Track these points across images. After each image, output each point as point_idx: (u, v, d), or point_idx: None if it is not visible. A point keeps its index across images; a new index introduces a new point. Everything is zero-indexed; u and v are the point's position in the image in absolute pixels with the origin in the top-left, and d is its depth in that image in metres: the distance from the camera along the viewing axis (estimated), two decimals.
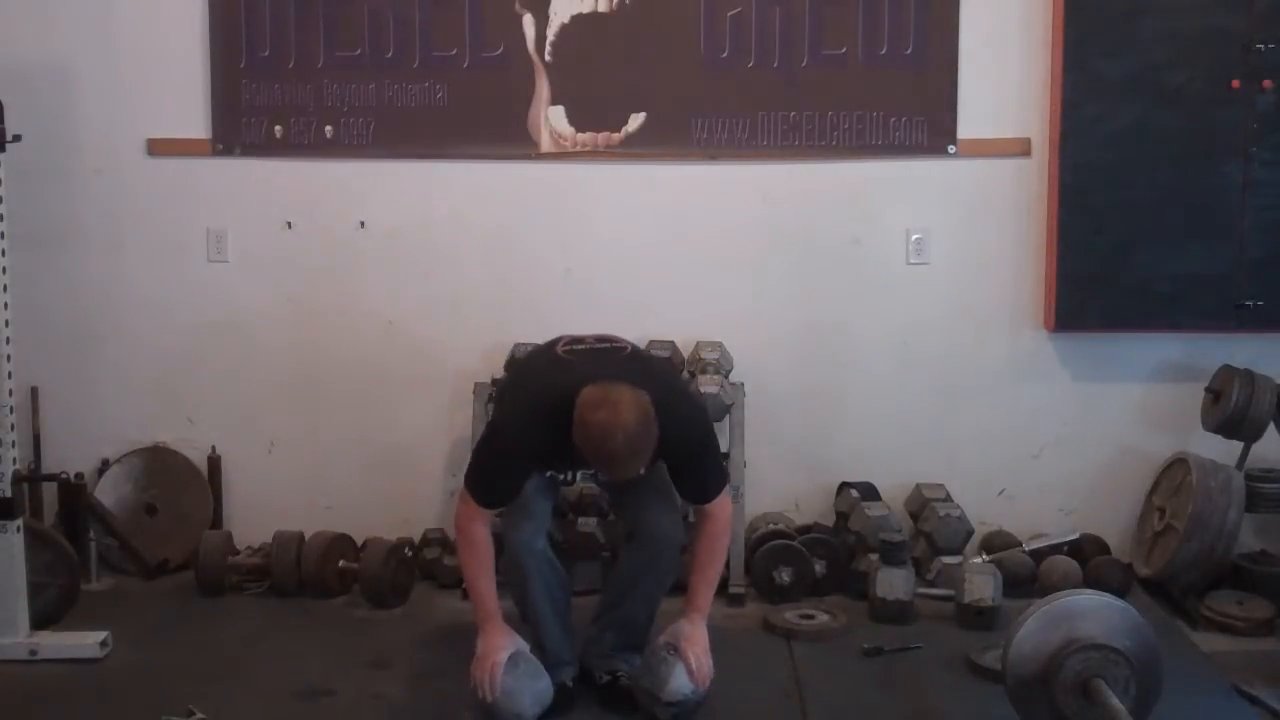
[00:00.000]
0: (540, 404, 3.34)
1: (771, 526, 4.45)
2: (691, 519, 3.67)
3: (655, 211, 4.57)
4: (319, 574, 4.30)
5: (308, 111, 4.53)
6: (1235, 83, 4.24)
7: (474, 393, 4.43)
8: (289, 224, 4.60)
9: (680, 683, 3.36)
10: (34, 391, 4.58)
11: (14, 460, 3.78)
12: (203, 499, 4.64)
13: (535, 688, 3.38)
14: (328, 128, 4.54)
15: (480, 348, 4.53)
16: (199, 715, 3.42)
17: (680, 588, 3.55)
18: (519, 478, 3.43)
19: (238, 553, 4.48)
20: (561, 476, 3.52)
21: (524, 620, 3.56)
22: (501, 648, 3.39)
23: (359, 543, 4.43)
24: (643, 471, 3.35)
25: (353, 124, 4.54)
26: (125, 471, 4.63)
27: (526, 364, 3.94)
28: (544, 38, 4.47)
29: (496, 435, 3.47)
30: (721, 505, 3.51)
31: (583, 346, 3.54)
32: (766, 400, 4.49)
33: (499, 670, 3.34)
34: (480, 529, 3.45)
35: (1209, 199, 4.30)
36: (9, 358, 3.75)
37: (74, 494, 4.35)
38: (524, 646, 3.44)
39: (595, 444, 3.17)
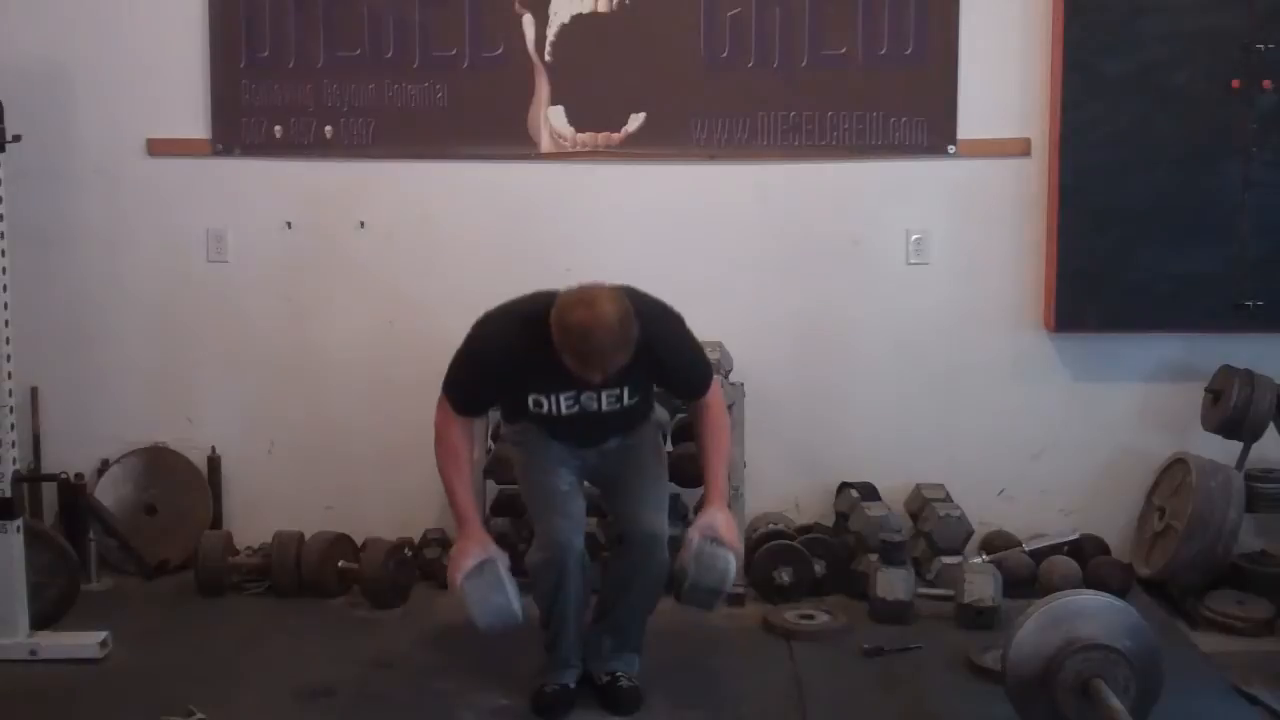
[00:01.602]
0: (519, 312, 3.40)
1: (771, 526, 4.45)
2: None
3: (655, 211, 4.57)
4: (319, 574, 4.30)
5: (308, 111, 4.53)
6: (1235, 83, 4.24)
7: None
8: (289, 224, 4.60)
9: (734, 570, 3.47)
10: (34, 391, 4.58)
11: (14, 460, 3.78)
12: (203, 499, 4.64)
13: (491, 599, 3.38)
14: (328, 128, 4.54)
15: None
16: (199, 715, 3.42)
17: None
18: (495, 382, 3.44)
19: (238, 553, 4.48)
20: (544, 406, 3.43)
21: (544, 625, 3.55)
22: (469, 553, 3.41)
23: (359, 543, 4.43)
24: (626, 401, 3.38)
25: (353, 124, 4.54)
26: (125, 471, 4.63)
27: None
28: (544, 38, 4.47)
29: (474, 337, 3.46)
30: (715, 394, 3.56)
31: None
32: (766, 400, 4.49)
33: (459, 576, 3.38)
34: (457, 433, 3.47)
35: (1209, 199, 4.30)
36: (9, 358, 3.75)
37: (74, 494, 4.35)
38: (496, 556, 3.45)
39: (577, 341, 3.18)
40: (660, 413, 3.93)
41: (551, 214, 4.57)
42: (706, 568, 3.42)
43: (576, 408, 3.44)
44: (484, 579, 3.40)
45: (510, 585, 3.43)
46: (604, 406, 3.45)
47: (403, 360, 4.57)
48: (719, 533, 3.44)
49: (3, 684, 3.65)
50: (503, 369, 3.42)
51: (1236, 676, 3.67)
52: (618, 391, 3.43)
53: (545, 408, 3.46)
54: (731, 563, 3.45)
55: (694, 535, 3.46)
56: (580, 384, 3.35)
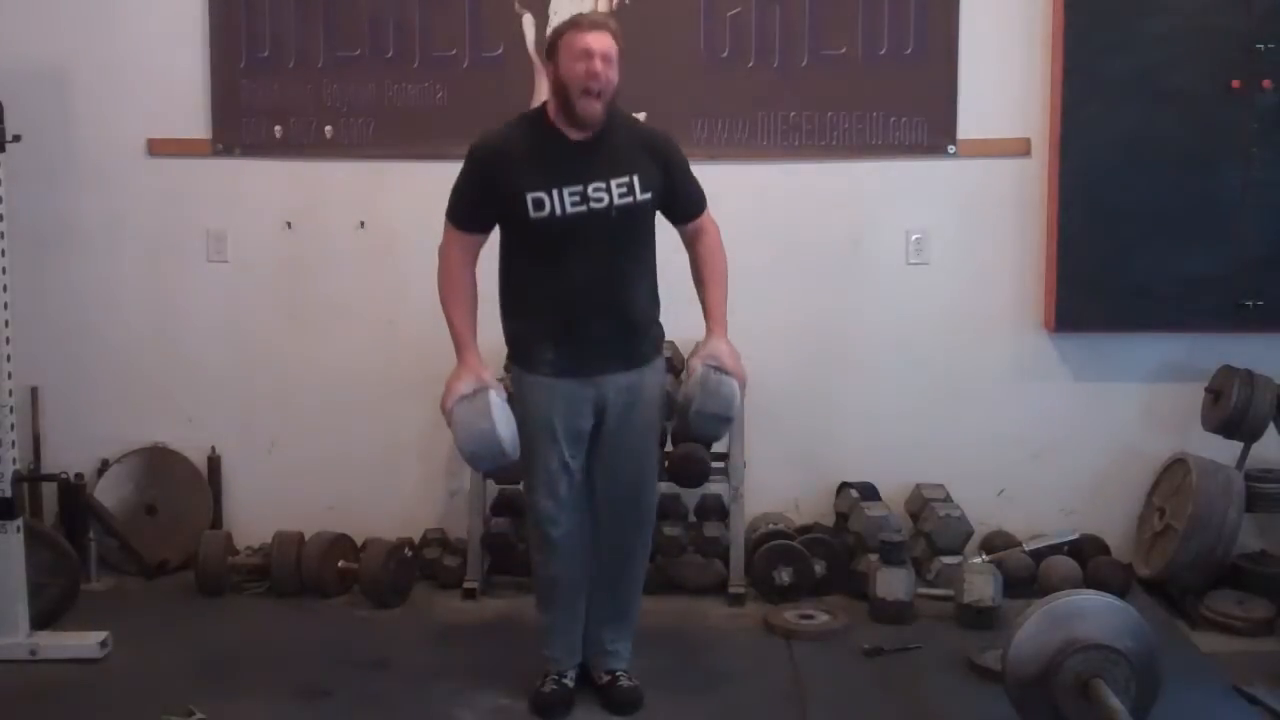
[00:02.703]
0: (511, 117, 3.49)
1: (771, 526, 4.45)
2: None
3: None
4: (319, 574, 4.30)
5: (308, 111, 4.53)
6: (1235, 83, 4.24)
7: None
8: (289, 224, 4.61)
9: (739, 397, 3.45)
10: (34, 391, 4.58)
11: (14, 460, 3.78)
12: (203, 499, 4.64)
13: (477, 425, 3.32)
14: (328, 128, 4.54)
15: (480, 348, 4.52)
16: (199, 715, 3.43)
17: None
18: (494, 183, 3.36)
19: (238, 553, 4.48)
20: (546, 206, 3.31)
21: (539, 606, 3.56)
22: (462, 379, 3.38)
23: (359, 543, 4.43)
24: (638, 195, 3.37)
25: (353, 124, 4.54)
26: (125, 471, 4.63)
27: None
28: (544, 38, 4.47)
29: (471, 147, 3.44)
30: (710, 218, 3.62)
31: None
32: (766, 400, 4.49)
33: (450, 401, 3.35)
34: (457, 256, 3.45)
35: (1209, 199, 4.30)
36: (9, 358, 3.76)
37: (74, 494, 4.36)
38: (489, 385, 3.39)
39: (572, 23, 3.34)
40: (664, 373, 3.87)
41: None
42: (712, 394, 3.39)
43: (584, 207, 3.32)
44: (474, 406, 3.34)
45: (501, 415, 3.35)
46: (615, 199, 3.34)
47: (402, 360, 4.58)
48: (723, 360, 3.42)
49: (3, 684, 3.65)
50: (500, 163, 3.35)
51: (1236, 676, 3.66)
52: (627, 180, 3.35)
53: (548, 207, 3.31)
54: (736, 389, 3.43)
55: (697, 364, 3.44)
56: (583, 174, 3.31)
